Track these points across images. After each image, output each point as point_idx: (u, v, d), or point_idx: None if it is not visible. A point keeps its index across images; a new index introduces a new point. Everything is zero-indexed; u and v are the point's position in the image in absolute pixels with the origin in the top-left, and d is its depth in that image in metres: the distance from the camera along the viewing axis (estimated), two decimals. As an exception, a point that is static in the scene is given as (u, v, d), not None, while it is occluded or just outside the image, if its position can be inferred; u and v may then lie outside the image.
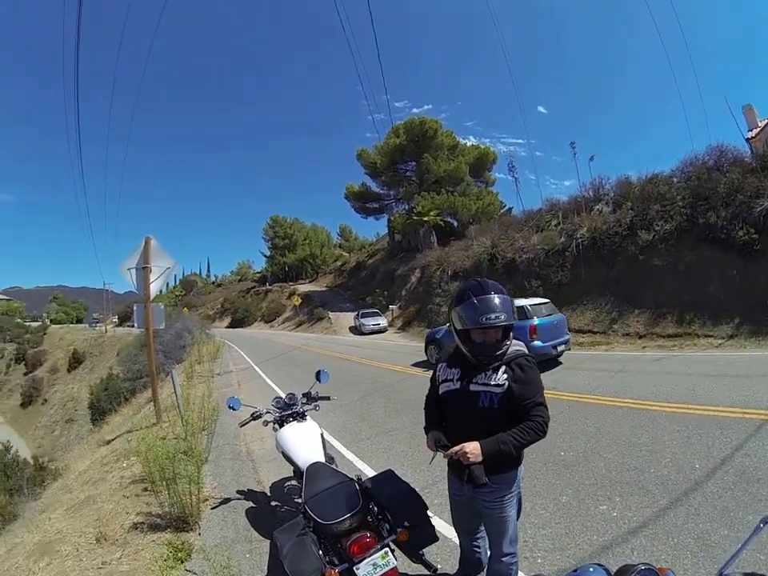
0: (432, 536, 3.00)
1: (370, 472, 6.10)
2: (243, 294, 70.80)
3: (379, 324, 32.24)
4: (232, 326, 59.66)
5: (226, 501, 5.58)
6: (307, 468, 3.67)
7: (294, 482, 5.76)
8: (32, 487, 11.04)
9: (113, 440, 10.44)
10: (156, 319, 9.99)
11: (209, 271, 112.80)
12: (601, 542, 3.95)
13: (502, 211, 42.94)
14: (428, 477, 5.69)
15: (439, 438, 2.76)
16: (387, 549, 2.75)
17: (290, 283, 66.64)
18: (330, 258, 76.28)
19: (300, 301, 47.30)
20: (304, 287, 59.82)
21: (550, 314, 12.91)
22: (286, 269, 73.90)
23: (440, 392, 2.91)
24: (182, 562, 4.31)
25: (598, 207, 22.09)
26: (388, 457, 6.85)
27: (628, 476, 5.17)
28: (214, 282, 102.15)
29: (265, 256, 79.54)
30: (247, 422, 4.99)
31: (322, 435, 4.39)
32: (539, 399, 2.61)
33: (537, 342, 11.57)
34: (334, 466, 3.92)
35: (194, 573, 4.08)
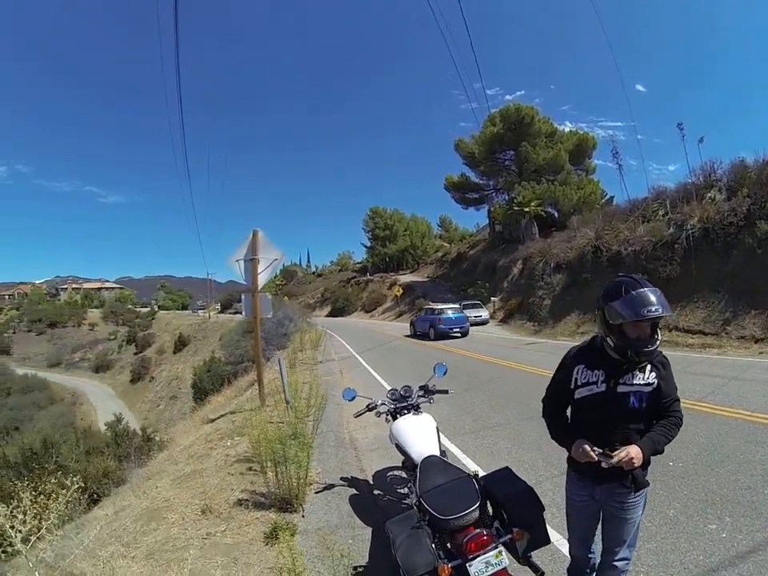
0: (545, 539, 2.91)
1: (474, 468, 5.98)
2: (344, 284, 72.13)
3: (480, 316, 31.74)
4: (332, 314, 60.97)
5: (330, 486, 5.69)
6: (422, 461, 3.62)
7: (397, 473, 5.77)
8: (139, 456, 11.81)
9: (216, 419, 10.90)
10: (264, 308, 10.32)
11: (309, 262, 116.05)
12: (707, 563, 3.68)
13: (603, 200, 41.17)
14: (531, 476, 5.49)
15: (591, 446, 2.59)
16: (501, 548, 2.70)
17: (391, 273, 67.10)
18: (430, 248, 76.07)
19: (401, 291, 47.57)
20: (405, 277, 60.06)
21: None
22: (387, 259, 74.39)
23: (577, 396, 2.75)
24: (286, 542, 4.38)
25: (709, 195, 20.13)
26: (491, 453, 6.73)
27: (740, 495, 4.75)
28: (314, 273, 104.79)
29: (365, 247, 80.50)
30: (362, 413, 5.01)
31: (437, 428, 4.28)
32: (677, 395, 2.67)
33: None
34: (447, 460, 3.82)
35: (294, 552, 4.09)
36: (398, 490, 5.36)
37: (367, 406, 4.95)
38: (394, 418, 4.62)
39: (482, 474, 3.40)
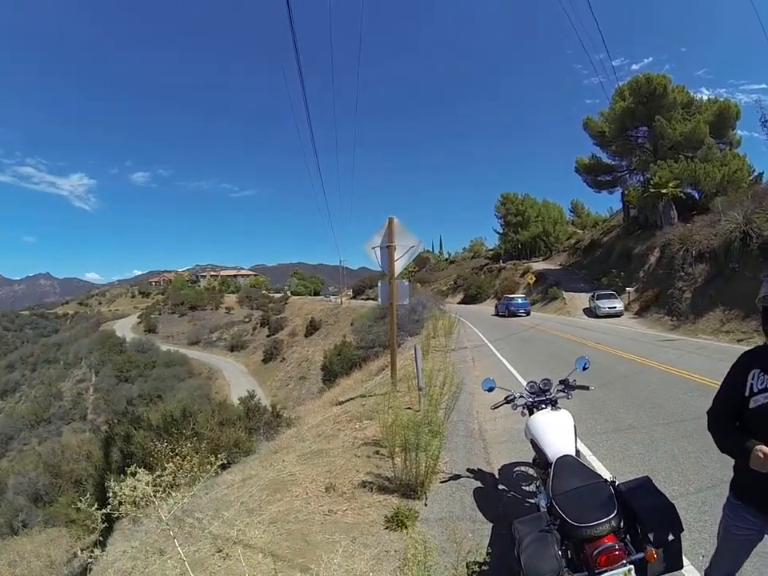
0: (679, 563, 2.67)
1: (603, 472, 5.58)
2: (476, 271, 71.13)
3: (615, 307, 30.22)
4: (464, 302, 60.44)
5: (456, 477, 5.63)
6: (557, 460, 3.43)
7: (524, 469, 5.64)
8: (268, 430, 12.47)
9: (346, 401, 11.19)
10: (400, 295, 10.41)
11: (441, 248, 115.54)
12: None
13: (752, 178, 36.26)
14: (664, 490, 5.00)
15: None
16: (632, 566, 2.48)
17: (524, 261, 65.21)
18: (563, 235, 72.96)
19: (534, 279, 46.25)
20: (537, 265, 58.18)
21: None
22: (519, 246, 72.35)
23: (752, 405, 2.37)
24: (406, 528, 4.36)
25: None
26: (622, 458, 6.25)
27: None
28: (446, 259, 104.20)
29: (497, 233, 78.59)
30: (500, 405, 4.83)
31: (574, 427, 4.03)
32: None
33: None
34: (583, 461, 3.58)
35: (416, 540, 4.06)
36: (524, 488, 5.21)
37: (505, 398, 4.75)
38: (531, 412, 4.43)
39: (618, 480, 3.12)
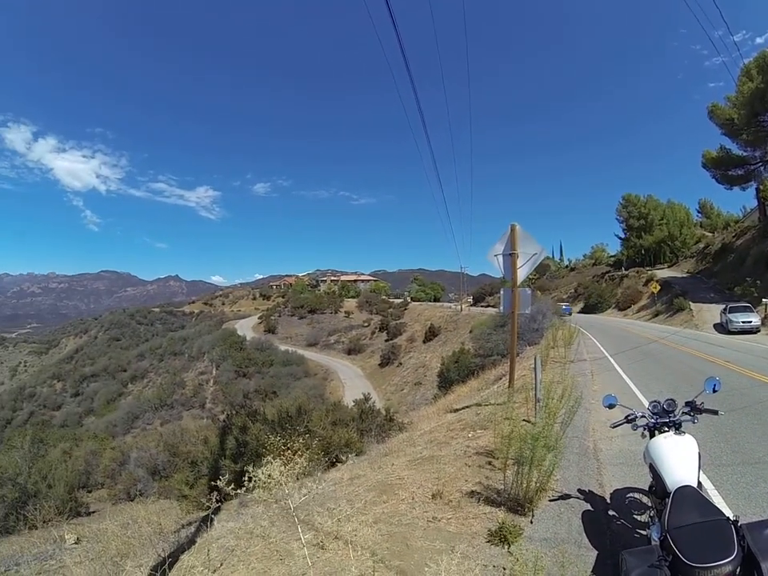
0: None
1: (725, 510, 5.16)
2: (597, 279, 68.19)
3: (750, 322, 27.11)
4: (584, 311, 58.14)
5: (566, 497, 5.48)
6: (676, 490, 3.25)
7: (638, 496, 5.35)
8: (379, 433, 12.77)
9: (461, 409, 11.21)
10: (522, 303, 10.30)
11: (561, 255, 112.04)
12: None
13: None
14: None
15: None
16: None
17: (647, 268, 61.29)
18: (690, 239, 66.67)
19: (658, 288, 43.31)
20: (662, 272, 54.62)
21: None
22: (642, 252, 67.68)
23: None
24: (509, 544, 4.32)
25: None
26: (749, 496, 5.57)
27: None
28: (567, 266, 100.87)
29: (619, 238, 74.23)
30: (620, 424, 4.61)
31: (698, 455, 3.80)
32: None
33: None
34: (704, 494, 3.37)
35: (516, 557, 4.03)
36: (636, 517, 4.95)
37: (626, 417, 4.54)
38: (652, 435, 4.20)
39: (741, 520, 2.89)
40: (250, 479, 3.57)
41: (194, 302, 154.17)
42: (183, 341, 78.91)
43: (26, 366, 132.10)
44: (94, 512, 14.98)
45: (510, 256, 10.02)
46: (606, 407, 4.69)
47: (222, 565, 4.81)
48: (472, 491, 5.48)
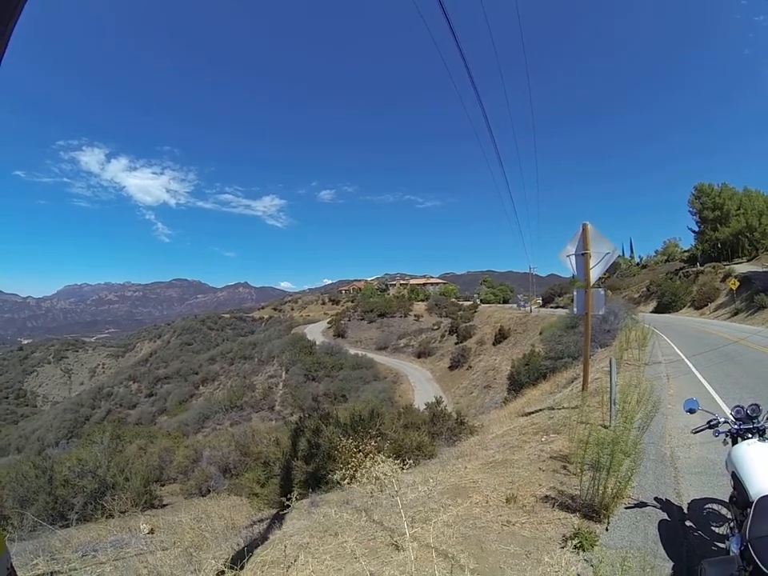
0: None
1: None
2: (671, 276, 64.70)
3: None
4: (657, 310, 55.49)
5: (642, 505, 5.35)
6: (759, 499, 3.13)
7: (716, 507, 5.14)
8: (450, 436, 12.74)
9: (532, 413, 11.07)
10: (596, 304, 10.09)
11: (632, 252, 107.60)
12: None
13: None
14: None
15: None
16: None
17: (724, 263, 57.37)
18: None
19: (737, 284, 40.68)
20: (741, 267, 50.97)
21: None
22: (718, 245, 63.17)
23: None
24: (583, 550, 4.27)
25: None
26: None
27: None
28: (638, 264, 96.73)
29: (693, 232, 69.67)
30: (702, 429, 4.46)
31: None
32: None
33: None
34: None
35: (591, 564, 3.98)
36: (714, 529, 4.73)
37: (708, 423, 4.39)
38: (734, 441, 4.05)
39: None
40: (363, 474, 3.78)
41: (263, 308, 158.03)
42: (253, 345, 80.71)
43: (104, 367, 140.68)
44: (166, 505, 15.66)
45: (583, 256, 9.83)
46: (686, 411, 4.57)
47: (296, 561, 4.94)
48: (546, 496, 5.44)
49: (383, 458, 4.33)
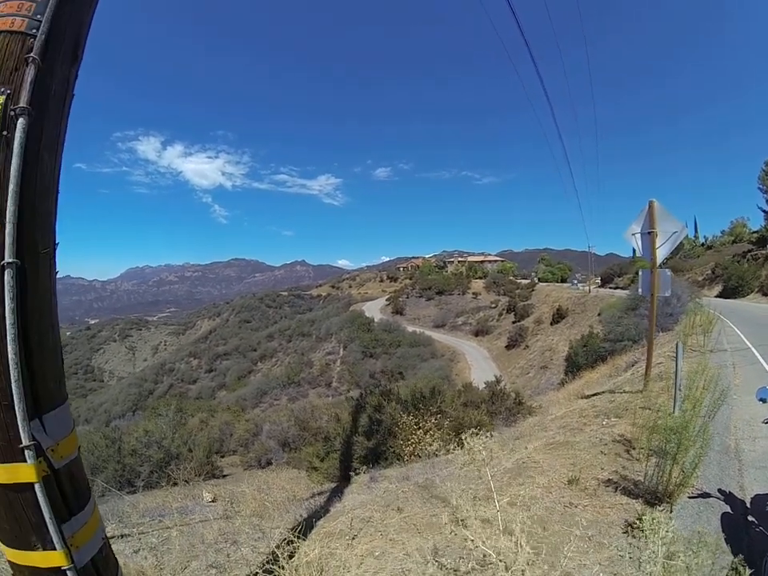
0: None
1: None
2: (737, 259, 61.12)
3: None
4: (722, 295, 52.65)
5: (705, 495, 5.20)
6: None
7: None
8: (508, 416, 12.66)
9: (592, 396, 10.89)
10: (662, 285, 9.80)
11: (696, 231, 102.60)
12: None
13: None
14: None
15: None
16: None
17: None
18: None
19: None
20: None
21: None
22: None
23: None
24: (645, 537, 4.24)
25: None
26: None
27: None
28: (703, 244, 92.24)
29: (763, 212, 66.08)
30: None
31: None
32: None
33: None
34: None
35: (654, 551, 3.93)
36: None
37: None
38: None
39: None
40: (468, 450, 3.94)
41: (321, 286, 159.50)
42: (311, 323, 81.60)
43: (165, 345, 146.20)
44: (227, 475, 16.24)
45: (649, 235, 9.53)
46: (758, 400, 4.43)
47: (359, 533, 5.06)
48: (608, 479, 5.40)
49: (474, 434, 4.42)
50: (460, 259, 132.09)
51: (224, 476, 16.05)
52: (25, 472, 2.18)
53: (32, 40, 2.21)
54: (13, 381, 2.10)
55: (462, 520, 4.62)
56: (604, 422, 7.80)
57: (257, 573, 3.94)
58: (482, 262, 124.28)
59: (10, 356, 2.09)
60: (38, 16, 2.22)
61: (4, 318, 2.10)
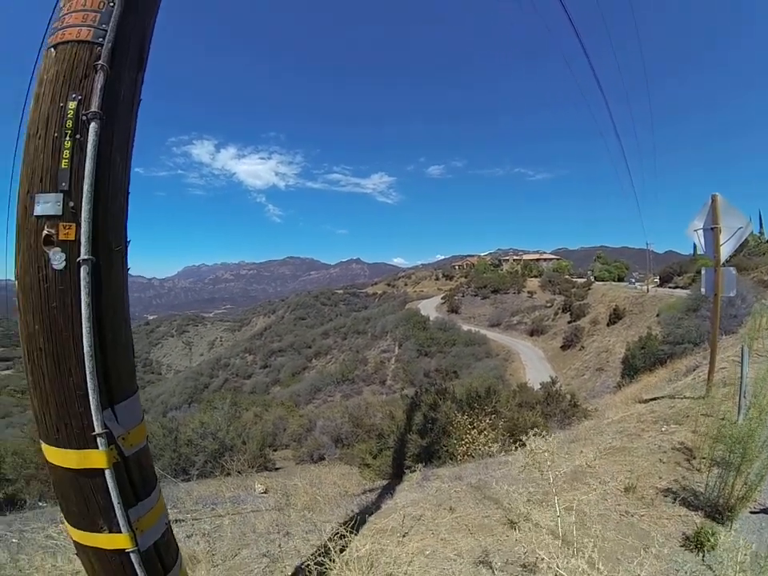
0: None
1: None
2: None
3: None
4: None
5: (766, 511, 4.94)
6: None
7: None
8: (563, 418, 12.44)
9: (650, 400, 10.57)
10: (727, 285, 9.41)
11: (761, 227, 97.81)
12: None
13: None
14: None
15: None
16: None
17: None
18: None
19: None
20: None
21: None
22: None
23: None
24: (704, 551, 4.10)
25: None
26: None
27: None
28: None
29: None
30: None
31: None
32: None
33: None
34: None
35: (709, 566, 3.81)
36: None
37: None
38: None
39: None
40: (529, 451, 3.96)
41: (376, 284, 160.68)
42: (366, 320, 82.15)
43: (221, 340, 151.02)
44: (279, 468, 16.56)
45: (712, 231, 9.15)
46: None
47: (410, 531, 5.05)
48: (667, 489, 5.22)
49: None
50: (515, 257, 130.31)
51: (276, 469, 16.38)
52: (96, 458, 2.29)
53: (99, 48, 2.32)
54: (88, 372, 2.22)
55: (514, 523, 4.57)
56: (663, 429, 7.55)
57: (308, 564, 3.98)
58: (537, 260, 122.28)
59: (85, 349, 2.21)
60: (103, 25, 2.33)
61: (80, 312, 2.21)
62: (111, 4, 2.36)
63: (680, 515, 4.76)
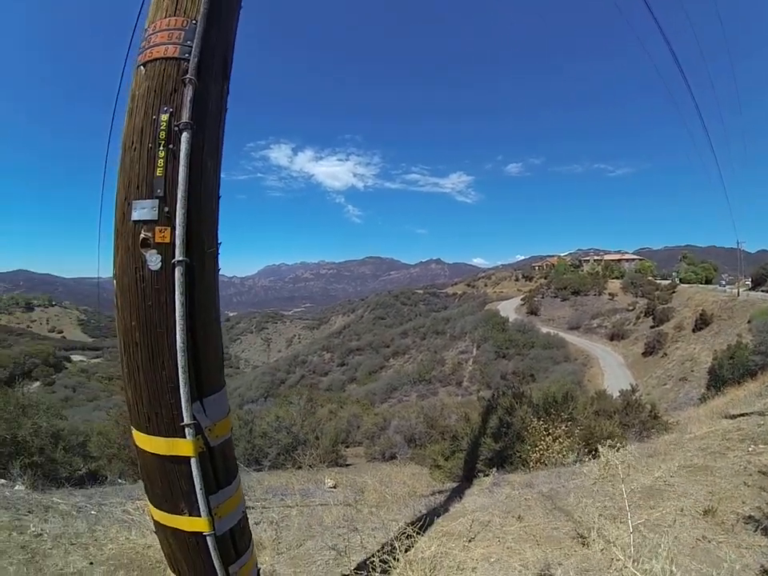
0: None
1: None
2: None
3: None
4: None
5: None
6: None
7: None
8: (641, 430, 11.96)
9: (738, 416, 10.03)
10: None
11: None
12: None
13: None
14: None
15: None
16: None
17: None
18: None
19: None
20: None
21: None
22: None
23: None
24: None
25: None
26: None
27: None
28: None
29: None
30: None
31: None
32: None
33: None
34: None
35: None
36: None
37: None
38: None
39: None
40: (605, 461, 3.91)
41: (456, 284, 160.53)
42: (446, 321, 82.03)
43: (299, 338, 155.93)
44: (350, 465, 16.89)
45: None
46: None
47: (476, 537, 5.02)
48: (750, 516, 4.90)
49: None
50: (596, 258, 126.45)
51: (347, 465, 16.70)
52: (183, 447, 2.46)
53: (186, 63, 2.48)
54: (180, 367, 2.38)
55: (583, 537, 4.46)
56: (750, 449, 7.14)
57: (373, 560, 4.04)
58: (618, 260, 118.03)
59: (178, 344, 2.37)
60: (188, 42, 2.49)
61: (174, 310, 2.38)
62: (194, 22, 2.52)
63: (761, 545, 4.43)
